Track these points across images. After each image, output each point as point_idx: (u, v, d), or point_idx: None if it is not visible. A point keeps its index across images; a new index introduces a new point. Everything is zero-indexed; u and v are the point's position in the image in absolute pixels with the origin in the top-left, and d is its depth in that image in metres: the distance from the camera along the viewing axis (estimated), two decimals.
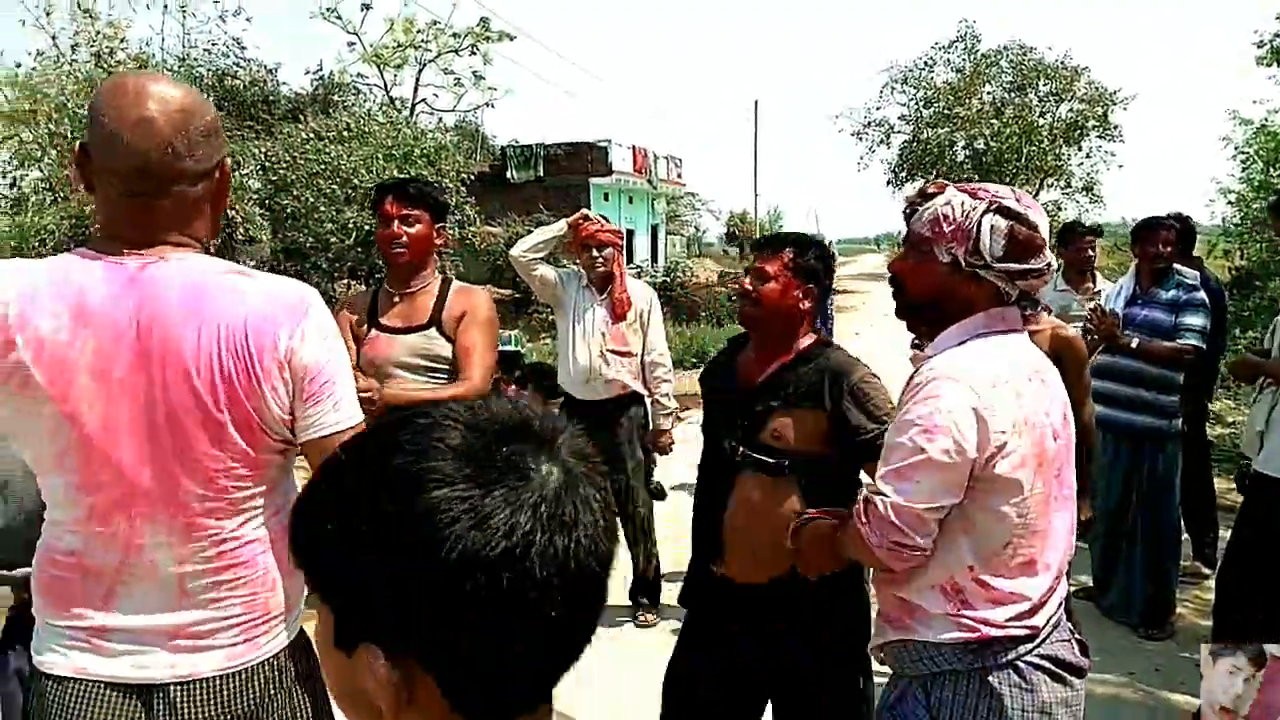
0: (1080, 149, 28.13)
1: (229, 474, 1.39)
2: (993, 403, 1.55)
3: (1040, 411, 1.62)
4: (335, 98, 21.20)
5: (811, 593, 2.09)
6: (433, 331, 2.75)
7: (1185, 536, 5.17)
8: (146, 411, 1.35)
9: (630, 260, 24.99)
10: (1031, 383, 1.63)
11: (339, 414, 1.44)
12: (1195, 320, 4.05)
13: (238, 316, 1.37)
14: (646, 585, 4.50)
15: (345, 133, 14.18)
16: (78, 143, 1.40)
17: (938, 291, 1.68)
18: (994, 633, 1.60)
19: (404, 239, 2.75)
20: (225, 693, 1.42)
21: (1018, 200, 1.65)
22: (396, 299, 2.83)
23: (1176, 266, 4.32)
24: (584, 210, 4.45)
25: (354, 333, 2.81)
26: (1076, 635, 1.75)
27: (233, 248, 16.64)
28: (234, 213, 11.88)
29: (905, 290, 1.76)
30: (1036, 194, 28.36)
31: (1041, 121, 27.84)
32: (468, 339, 2.71)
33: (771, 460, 2.18)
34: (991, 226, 1.61)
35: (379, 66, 23.78)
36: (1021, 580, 1.62)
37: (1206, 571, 4.86)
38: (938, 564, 1.62)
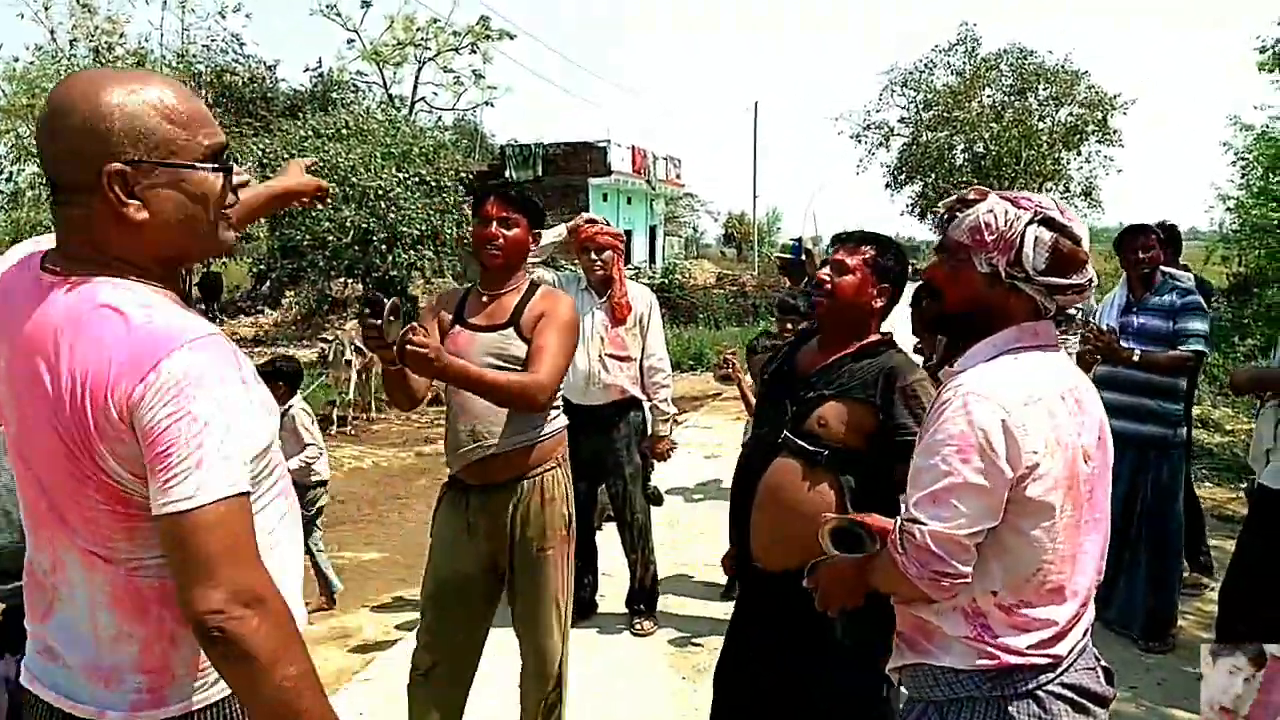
0: (1079, 153, 28.16)
1: (102, 523, 1.27)
2: (1025, 421, 1.50)
3: (1073, 432, 1.57)
4: (334, 95, 21.18)
5: None
6: (510, 331, 2.79)
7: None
8: (35, 437, 1.27)
9: (628, 261, 24.95)
10: (1065, 401, 1.57)
11: (180, 489, 1.17)
12: (1197, 325, 3.99)
13: (88, 362, 1.20)
14: (644, 593, 4.46)
15: (344, 130, 14.16)
16: None
17: (974, 302, 1.62)
18: (1015, 660, 1.55)
19: (500, 240, 2.78)
20: None
21: (1061, 212, 1.59)
22: (485, 299, 2.86)
23: (1168, 270, 4.28)
24: (586, 214, 4.41)
25: (441, 327, 2.87)
26: (1102, 663, 1.70)
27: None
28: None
29: (943, 299, 1.69)
30: None
31: (1041, 125, 27.86)
32: (542, 339, 2.74)
33: (811, 448, 2.18)
34: (1036, 238, 1.56)
35: (378, 64, 23.76)
36: (1047, 607, 1.57)
37: (1207, 582, 4.83)
38: (963, 588, 1.56)
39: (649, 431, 4.46)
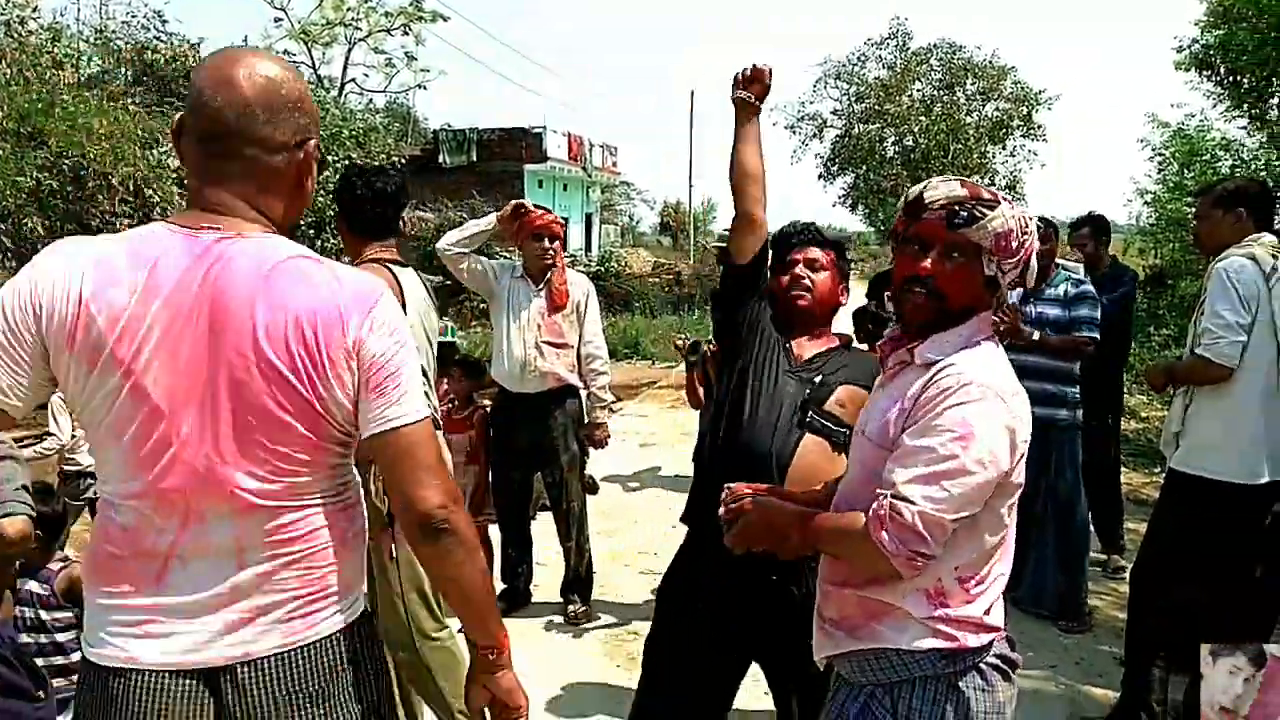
0: (1005, 147, 28.88)
1: (289, 458, 1.37)
2: (1018, 411, 1.56)
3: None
4: None
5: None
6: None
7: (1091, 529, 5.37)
8: (209, 389, 1.33)
9: (564, 249, 24.79)
10: (1021, 386, 1.65)
11: (402, 408, 1.39)
12: (1089, 312, 4.27)
13: (307, 304, 1.35)
14: (579, 582, 4.46)
15: None
16: (175, 119, 1.42)
17: (974, 301, 1.64)
18: (970, 641, 1.59)
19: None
20: (291, 671, 1.39)
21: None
22: None
23: (1059, 261, 4.50)
24: (519, 200, 4.35)
25: None
26: (1008, 631, 1.76)
27: None
28: (151, 192, 11.43)
29: (944, 298, 1.62)
30: None
31: (968, 120, 28.49)
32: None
33: (836, 427, 2.23)
34: (1036, 254, 1.65)
35: (307, 44, 23.15)
36: (991, 579, 1.63)
37: (1125, 564, 5.01)
38: (934, 565, 1.56)
39: (585, 419, 4.45)
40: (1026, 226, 1.60)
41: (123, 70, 17.08)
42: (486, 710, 1.58)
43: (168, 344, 1.32)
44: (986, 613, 1.61)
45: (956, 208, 1.58)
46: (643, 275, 21.83)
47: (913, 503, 1.50)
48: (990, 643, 1.62)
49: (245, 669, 1.36)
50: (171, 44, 18.70)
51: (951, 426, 1.51)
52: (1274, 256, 3.12)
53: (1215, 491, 3.11)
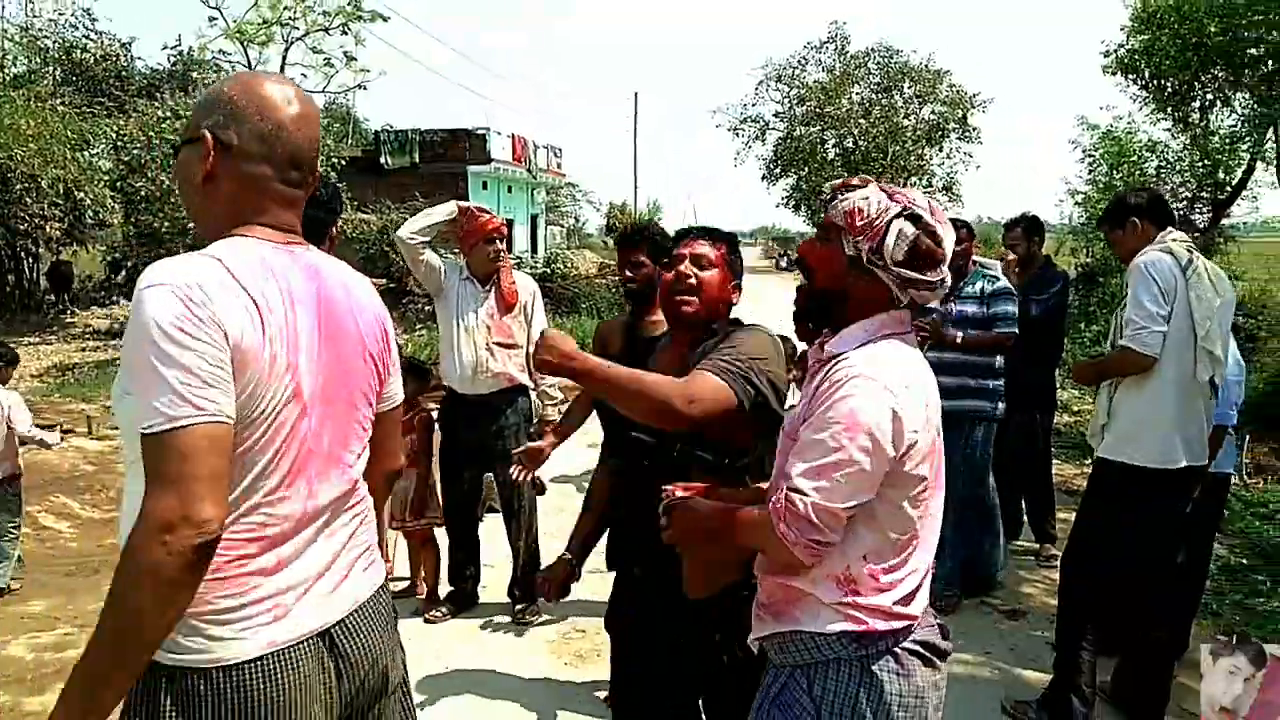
0: (941, 149, 29.46)
1: (368, 432, 1.63)
2: (907, 404, 1.60)
3: (934, 408, 1.69)
4: (195, 75, 20.13)
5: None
6: None
7: (1025, 519, 5.55)
8: (331, 383, 1.51)
9: (510, 250, 24.66)
10: (927, 383, 1.70)
11: (399, 389, 1.76)
12: (1009, 308, 4.44)
13: (376, 306, 1.66)
14: (528, 582, 4.47)
15: None
16: (208, 135, 1.45)
17: (838, 281, 1.71)
18: (879, 624, 1.65)
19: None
20: (381, 608, 1.64)
21: (932, 213, 1.67)
22: None
23: (977, 260, 4.68)
24: (469, 202, 4.36)
25: None
26: (937, 620, 1.82)
27: (82, 232, 15.60)
28: (82, 194, 11.12)
29: (812, 276, 1.77)
30: None
31: (906, 122, 29.01)
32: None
33: (706, 455, 2.12)
34: (899, 231, 1.64)
35: (243, 43, 22.68)
36: (906, 569, 1.68)
37: (1056, 552, 5.18)
38: (836, 554, 1.64)
39: (535, 418, 4.47)
40: (880, 206, 1.65)
41: (51, 69, 16.60)
42: None
43: (308, 348, 1.46)
44: (899, 602, 1.66)
45: (830, 194, 1.74)
46: (589, 276, 21.82)
47: (805, 494, 1.58)
48: (904, 629, 1.67)
49: (353, 616, 1.56)
50: (101, 43, 18.24)
51: (839, 419, 1.58)
52: (1189, 251, 3.26)
53: (1138, 478, 3.23)
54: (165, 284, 1.30)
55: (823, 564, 1.65)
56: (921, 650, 1.70)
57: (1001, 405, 4.57)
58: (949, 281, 1.72)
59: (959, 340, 4.29)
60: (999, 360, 4.55)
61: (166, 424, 1.25)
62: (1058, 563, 4.92)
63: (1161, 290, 3.16)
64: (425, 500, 4.55)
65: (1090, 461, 3.82)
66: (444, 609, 4.47)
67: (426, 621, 4.37)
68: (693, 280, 2.16)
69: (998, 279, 4.55)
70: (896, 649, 1.67)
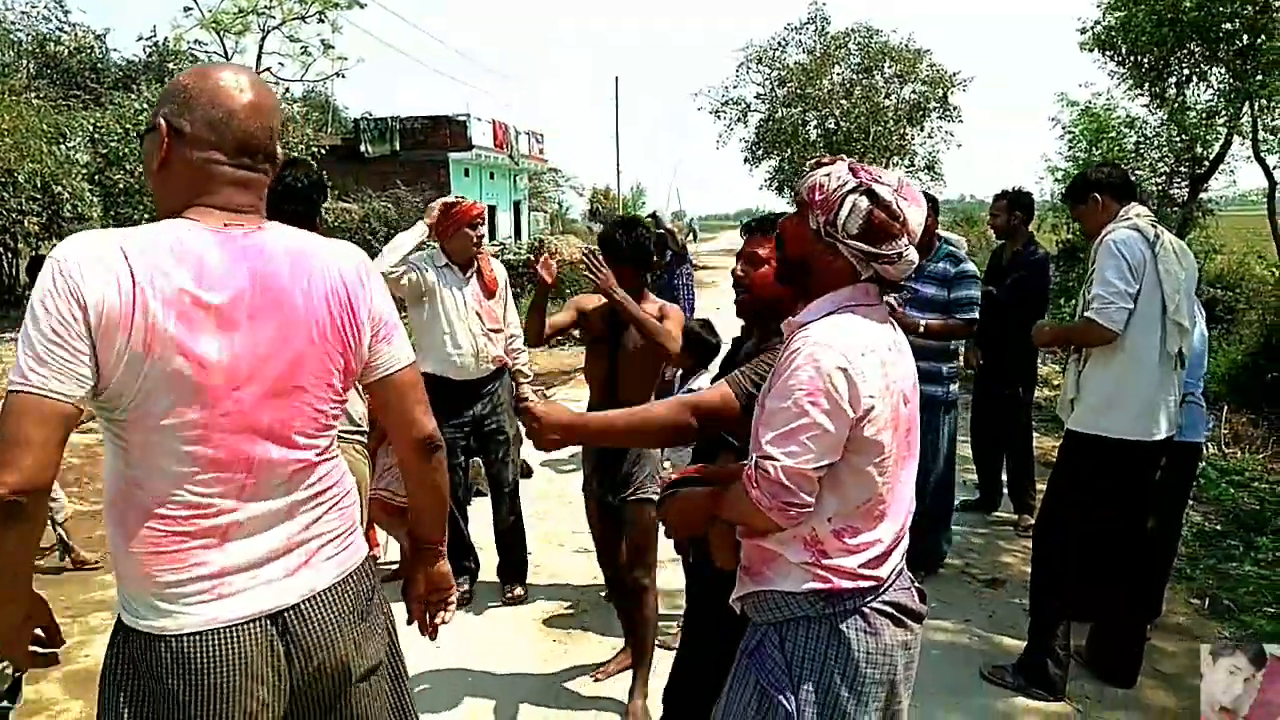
0: (922, 129, 29.47)
1: (327, 414, 1.60)
2: (863, 369, 1.66)
3: (897, 379, 1.74)
4: (171, 66, 19.95)
5: None
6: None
7: (1004, 490, 5.64)
8: (267, 362, 1.50)
9: (493, 237, 24.60)
10: (891, 352, 1.75)
11: (401, 352, 1.69)
12: (971, 293, 4.41)
13: (336, 276, 1.59)
14: (518, 564, 4.55)
15: None
16: (162, 122, 1.52)
17: (803, 254, 1.78)
18: (845, 583, 1.72)
19: None
20: (345, 597, 1.62)
21: (896, 189, 1.72)
22: None
23: (942, 234, 4.64)
24: (444, 199, 4.33)
25: None
26: (915, 584, 1.89)
27: (60, 226, 15.48)
28: (60, 188, 11.04)
29: (783, 245, 1.85)
30: None
31: (887, 102, 28.99)
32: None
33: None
34: (853, 205, 1.69)
35: (219, 33, 22.45)
36: (873, 532, 1.74)
37: (1033, 522, 5.26)
38: (805, 517, 1.71)
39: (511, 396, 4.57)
40: (838, 182, 1.71)
41: (25, 63, 16.42)
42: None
43: (223, 326, 1.45)
44: (866, 565, 1.73)
45: (806, 172, 1.81)
46: (573, 262, 21.79)
47: (775, 459, 1.66)
48: (871, 589, 1.74)
49: (309, 602, 1.56)
50: (75, 35, 18.05)
51: (800, 385, 1.65)
52: (1153, 226, 3.33)
53: (1112, 449, 3.31)
54: (52, 257, 1.39)
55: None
56: (891, 610, 1.77)
57: (954, 388, 4.56)
58: (914, 258, 1.75)
59: (921, 329, 4.21)
60: (954, 345, 4.57)
61: (10, 386, 1.35)
62: (1032, 533, 5.02)
63: (1130, 267, 3.21)
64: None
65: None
66: (463, 589, 4.45)
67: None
68: (746, 280, 2.41)
69: (962, 260, 4.48)
70: (864, 608, 1.74)
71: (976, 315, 4.42)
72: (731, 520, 1.84)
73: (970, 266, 4.48)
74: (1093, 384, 3.36)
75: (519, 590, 4.48)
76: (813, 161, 1.84)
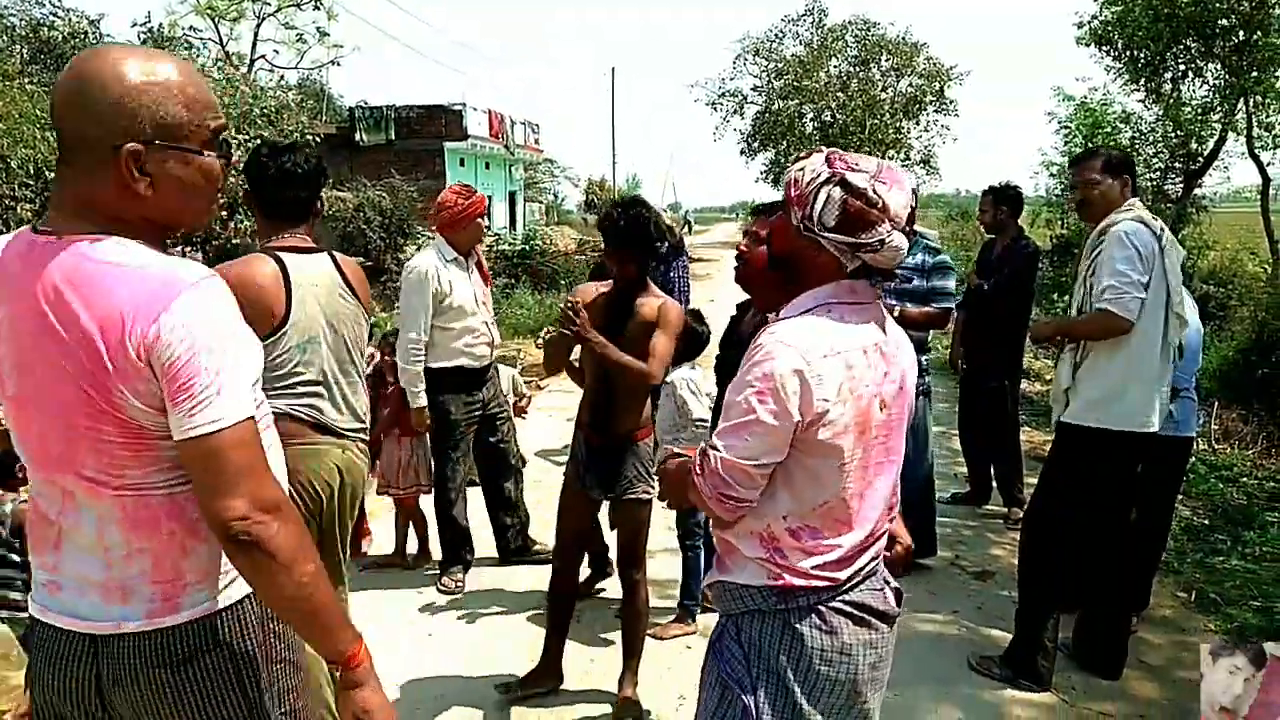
0: (918, 122, 29.47)
1: (114, 454, 1.39)
2: (821, 371, 1.62)
3: (870, 382, 1.69)
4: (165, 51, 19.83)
5: None
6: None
7: (994, 484, 5.66)
8: (43, 386, 1.38)
9: (489, 227, 24.49)
10: (867, 355, 1.69)
11: (202, 416, 1.33)
12: (947, 283, 4.47)
13: (102, 311, 1.32)
14: (522, 545, 4.75)
15: None
16: None
17: (789, 251, 1.75)
18: (797, 581, 1.71)
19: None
20: (152, 647, 1.44)
21: (875, 175, 1.66)
22: None
23: (918, 229, 4.67)
24: (454, 185, 4.38)
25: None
26: (892, 584, 1.86)
27: None
28: (53, 175, 10.99)
29: (771, 245, 1.86)
30: None
31: (883, 95, 28.99)
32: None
33: None
34: (827, 196, 1.65)
35: (213, 19, 22.35)
36: (832, 535, 1.72)
37: (1022, 515, 5.29)
38: (757, 513, 1.72)
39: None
40: (811, 174, 1.68)
41: (18, 48, 16.32)
42: None
43: (10, 341, 1.39)
44: (822, 566, 1.71)
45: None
46: (568, 253, 21.79)
47: (719, 450, 1.68)
48: (827, 589, 1.72)
49: (118, 640, 1.44)
50: (69, 20, 17.94)
51: (753, 381, 1.65)
52: (1155, 219, 3.33)
53: (1111, 441, 3.30)
54: None
55: (746, 521, 1.73)
56: (852, 610, 1.75)
57: (927, 379, 4.57)
58: (900, 243, 1.68)
59: (896, 315, 4.26)
60: (929, 335, 4.62)
61: None
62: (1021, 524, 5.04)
63: (1142, 257, 3.20)
64: (418, 468, 4.70)
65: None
66: (459, 578, 4.53)
67: (442, 591, 4.45)
68: (745, 255, 2.59)
69: (938, 251, 4.58)
70: (820, 607, 1.72)
71: (953, 305, 4.48)
72: (693, 503, 1.84)
73: (946, 258, 4.58)
74: (1094, 376, 3.33)
75: (536, 546, 4.71)
76: (796, 156, 1.81)
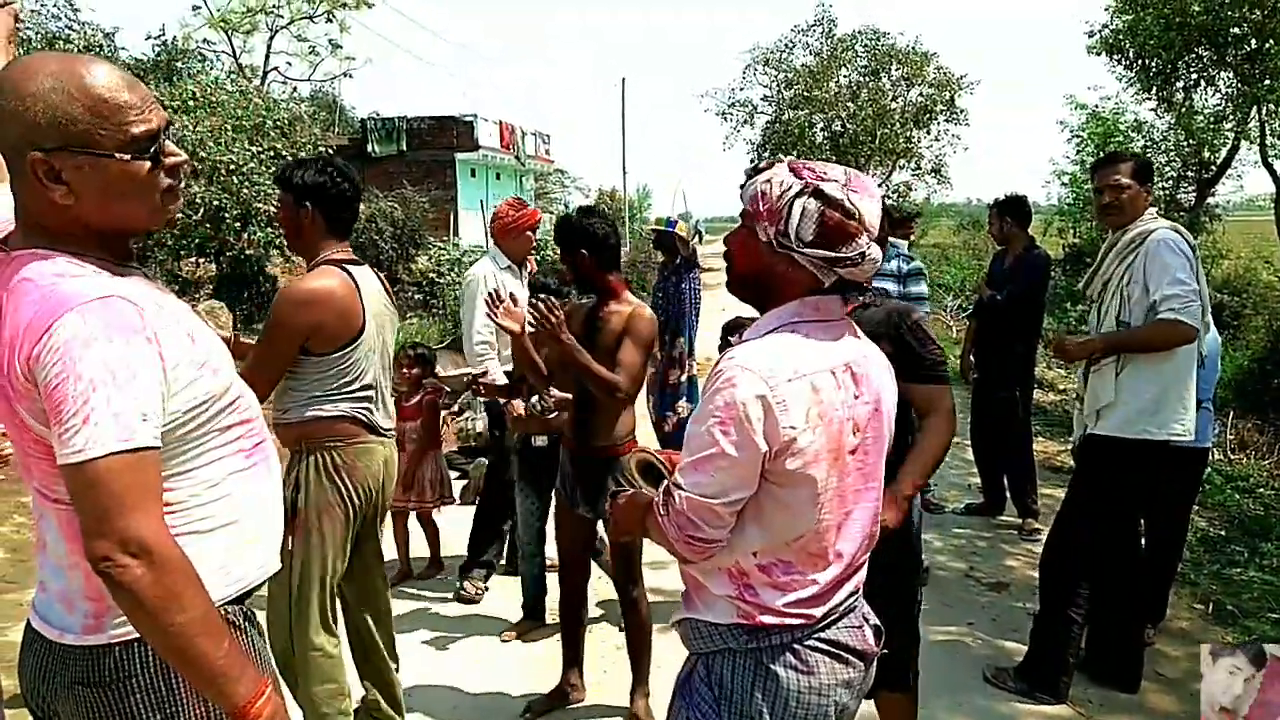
0: (929, 132, 29.44)
1: (43, 469, 1.38)
2: (785, 396, 1.49)
3: (840, 404, 1.56)
4: (179, 65, 20.03)
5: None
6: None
7: (1007, 494, 5.62)
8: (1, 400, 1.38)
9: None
10: (835, 376, 1.56)
11: (73, 443, 1.25)
12: (921, 289, 4.56)
13: (8, 329, 1.31)
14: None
15: (190, 102, 13.41)
16: None
17: (759, 269, 1.62)
18: (769, 620, 1.58)
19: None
20: (80, 663, 1.41)
21: (846, 184, 1.55)
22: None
23: (890, 240, 4.73)
24: (509, 200, 4.52)
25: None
26: (872, 622, 1.74)
27: None
28: None
29: (733, 264, 1.69)
30: (889, 175, 29.55)
31: (894, 105, 28.97)
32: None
33: None
34: (803, 209, 1.53)
35: (227, 32, 22.52)
36: (808, 570, 1.59)
37: (1039, 526, 5.26)
38: (728, 548, 1.58)
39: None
40: (782, 187, 1.55)
41: None
42: None
43: None
44: (796, 604, 1.59)
45: (746, 179, 1.65)
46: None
47: (683, 489, 1.54)
48: (801, 626, 1.59)
49: (60, 649, 1.44)
50: (84, 34, 18.09)
51: (714, 411, 1.51)
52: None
53: (1149, 452, 3.24)
54: None
55: (714, 556, 1.59)
56: (828, 648, 1.62)
57: None
58: (877, 256, 1.57)
59: None
60: None
61: None
62: (1039, 536, 5.02)
63: (1192, 264, 3.17)
64: (442, 481, 4.76)
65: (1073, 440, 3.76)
66: (483, 584, 4.54)
67: (463, 599, 4.44)
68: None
69: (912, 259, 4.69)
70: (796, 645, 1.60)
71: (926, 310, 4.54)
72: (655, 542, 1.67)
73: (920, 265, 4.73)
74: (1139, 386, 3.23)
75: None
76: (749, 169, 1.66)
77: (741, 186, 1.65)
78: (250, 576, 1.54)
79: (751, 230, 1.60)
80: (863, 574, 1.72)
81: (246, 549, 1.52)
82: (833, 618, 1.64)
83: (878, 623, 1.76)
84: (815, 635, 1.61)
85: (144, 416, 1.30)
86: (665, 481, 1.62)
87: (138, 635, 1.39)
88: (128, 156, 1.36)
